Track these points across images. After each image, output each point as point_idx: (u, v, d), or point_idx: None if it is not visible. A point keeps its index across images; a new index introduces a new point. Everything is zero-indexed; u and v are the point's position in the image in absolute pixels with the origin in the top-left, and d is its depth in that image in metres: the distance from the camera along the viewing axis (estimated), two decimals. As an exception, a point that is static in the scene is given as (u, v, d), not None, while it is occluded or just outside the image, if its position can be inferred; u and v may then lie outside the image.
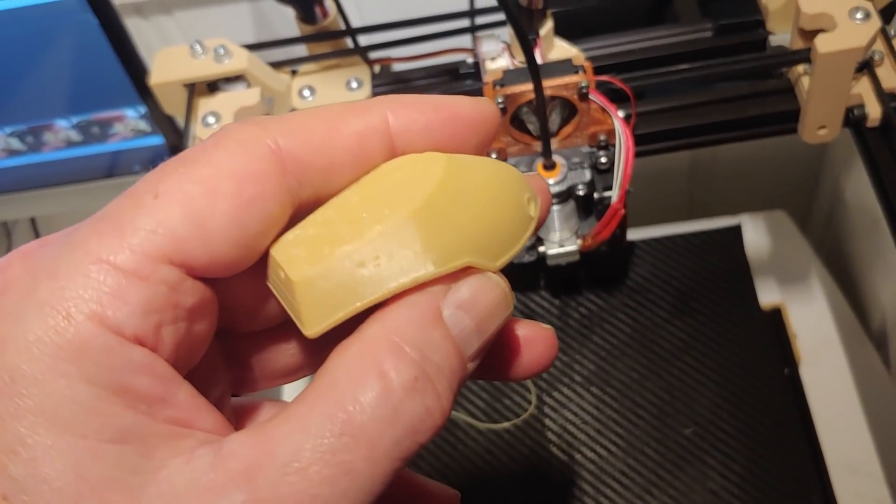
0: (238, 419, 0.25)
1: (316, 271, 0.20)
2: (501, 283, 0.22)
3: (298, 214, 0.22)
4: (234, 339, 0.25)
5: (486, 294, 0.22)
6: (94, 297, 0.19)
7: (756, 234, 0.71)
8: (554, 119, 0.46)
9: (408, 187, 0.22)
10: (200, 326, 0.21)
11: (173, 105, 0.53)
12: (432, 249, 0.21)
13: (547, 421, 0.61)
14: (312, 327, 0.21)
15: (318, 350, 0.25)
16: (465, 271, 0.22)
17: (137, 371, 0.19)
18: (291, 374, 0.26)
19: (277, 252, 0.21)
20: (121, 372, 0.19)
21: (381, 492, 0.19)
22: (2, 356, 0.19)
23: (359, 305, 0.20)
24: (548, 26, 0.48)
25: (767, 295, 0.66)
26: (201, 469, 0.19)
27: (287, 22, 0.57)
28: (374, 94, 0.54)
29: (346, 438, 0.19)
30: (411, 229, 0.21)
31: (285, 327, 0.25)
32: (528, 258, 0.46)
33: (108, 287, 0.19)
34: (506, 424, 0.61)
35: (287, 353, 0.26)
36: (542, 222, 0.25)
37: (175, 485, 0.19)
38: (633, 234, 0.69)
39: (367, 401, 0.19)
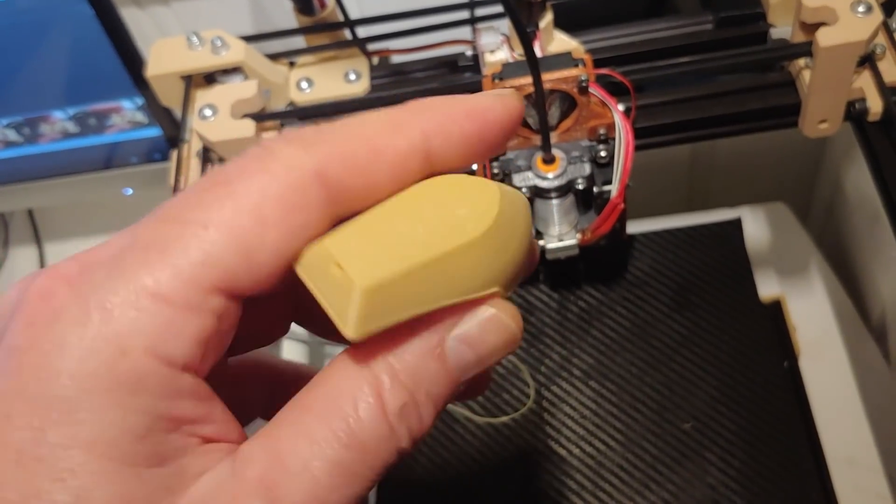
0: None
1: (381, 278, 0.20)
2: (512, 325, 0.23)
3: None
4: None
5: (494, 335, 0.23)
6: (148, 332, 0.20)
7: (756, 226, 0.71)
8: (553, 112, 0.46)
9: (468, 212, 0.22)
10: (228, 339, 0.22)
11: (170, 97, 0.53)
12: (481, 274, 0.22)
13: (545, 415, 0.61)
14: (359, 330, 0.20)
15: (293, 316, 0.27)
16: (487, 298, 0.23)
17: (185, 397, 0.20)
18: (269, 340, 0.27)
19: (337, 249, 0.21)
20: (172, 400, 0.20)
21: (371, 489, 0.21)
22: (58, 387, 0.19)
23: (408, 315, 0.21)
24: (547, 19, 0.48)
25: (767, 288, 0.66)
26: (223, 478, 0.20)
27: (285, 13, 0.57)
28: (373, 87, 0.54)
29: (350, 452, 0.20)
30: (471, 254, 0.22)
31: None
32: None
33: (162, 321, 0.20)
34: (504, 418, 0.61)
35: (268, 321, 0.27)
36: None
37: (203, 495, 0.20)
38: (633, 228, 0.68)
39: (367, 418, 0.21)
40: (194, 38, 0.51)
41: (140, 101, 0.67)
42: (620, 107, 0.45)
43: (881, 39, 0.46)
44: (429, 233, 0.22)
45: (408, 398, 0.21)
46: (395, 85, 0.55)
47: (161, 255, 0.20)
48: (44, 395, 0.19)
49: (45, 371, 0.19)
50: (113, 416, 0.19)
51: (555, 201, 0.45)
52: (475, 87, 0.49)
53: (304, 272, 0.21)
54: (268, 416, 0.27)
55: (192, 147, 0.52)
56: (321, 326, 0.27)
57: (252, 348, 0.27)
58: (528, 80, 0.44)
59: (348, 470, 0.20)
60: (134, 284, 0.20)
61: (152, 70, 0.52)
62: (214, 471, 0.20)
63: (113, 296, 0.20)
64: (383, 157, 0.22)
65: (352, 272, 0.20)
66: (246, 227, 0.20)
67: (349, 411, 0.21)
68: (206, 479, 0.20)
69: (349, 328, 0.20)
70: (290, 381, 0.30)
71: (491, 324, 0.23)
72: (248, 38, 0.53)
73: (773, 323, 0.64)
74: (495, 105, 0.24)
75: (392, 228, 0.22)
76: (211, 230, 0.20)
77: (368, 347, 0.21)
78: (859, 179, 0.74)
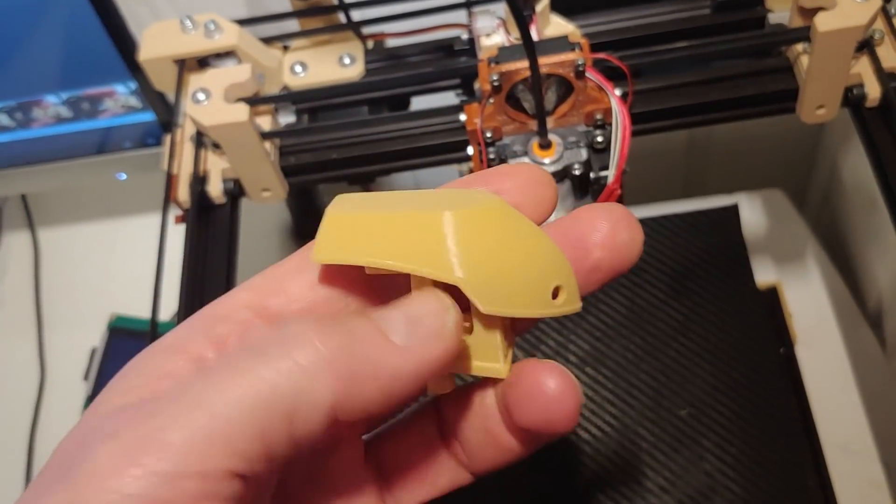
0: None
1: (350, 213, 0.24)
2: (444, 313, 0.23)
3: None
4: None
5: (420, 306, 0.23)
6: None
7: (752, 212, 0.70)
8: (550, 97, 0.46)
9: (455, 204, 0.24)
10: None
11: (163, 81, 0.52)
12: (444, 256, 0.23)
13: (541, 401, 0.61)
14: (317, 253, 0.24)
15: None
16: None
17: None
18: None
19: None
20: None
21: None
22: None
23: (362, 259, 0.23)
24: (544, 2, 0.48)
25: (763, 274, 0.66)
26: None
27: (279, -4, 0.57)
28: (368, 71, 0.53)
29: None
30: (435, 228, 0.23)
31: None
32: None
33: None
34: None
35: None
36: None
37: None
38: (629, 214, 0.68)
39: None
40: (187, 22, 0.51)
41: (133, 85, 0.67)
42: (617, 91, 0.44)
43: (880, 25, 0.46)
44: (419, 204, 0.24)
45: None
46: (389, 69, 0.54)
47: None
48: None
49: None
50: None
51: (551, 187, 0.45)
52: (471, 72, 0.49)
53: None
54: None
55: (186, 131, 0.51)
56: None
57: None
58: (525, 64, 0.43)
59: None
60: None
61: (145, 54, 0.51)
62: None
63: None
64: None
65: (332, 211, 0.24)
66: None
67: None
68: None
69: (314, 252, 0.24)
70: None
71: (423, 298, 0.23)
72: (242, 22, 0.52)
73: (769, 309, 0.64)
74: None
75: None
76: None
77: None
78: (856, 166, 0.73)
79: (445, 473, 0.27)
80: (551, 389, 0.24)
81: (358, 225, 0.23)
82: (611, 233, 0.25)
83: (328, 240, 0.24)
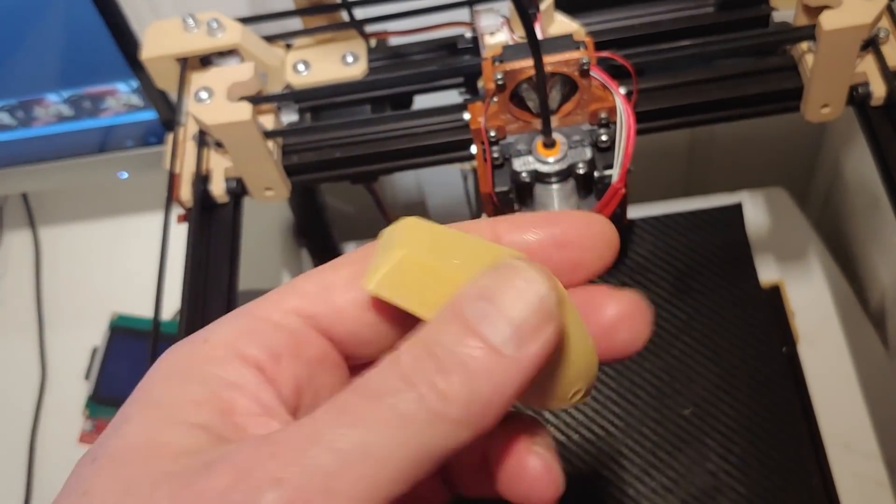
0: None
1: (416, 257, 0.23)
2: (537, 276, 0.21)
3: None
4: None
5: (515, 288, 0.21)
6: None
7: (755, 211, 0.70)
8: (554, 96, 0.45)
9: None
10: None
11: (165, 79, 0.52)
12: None
13: (544, 400, 0.61)
14: (375, 284, 0.23)
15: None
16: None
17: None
18: None
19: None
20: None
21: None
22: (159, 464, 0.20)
23: (415, 306, 0.23)
24: (548, 1, 0.47)
25: (766, 272, 0.66)
26: None
27: (281, -5, 0.56)
28: (371, 70, 0.53)
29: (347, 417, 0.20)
30: None
31: None
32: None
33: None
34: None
35: None
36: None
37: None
38: (633, 213, 0.68)
39: (374, 374, 0.20)
40: (190, 20, 0.51)
41: (135, 83, 0.66)
42: (622, 90, 0.44)
43: (885, 23, 0.46)
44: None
45: (420, 350, 0.20)
46: (393, 67, 0.54)
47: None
48: (135, 475, 0.19)
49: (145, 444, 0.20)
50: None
51: (555, 186, 0.45)
52: (475, 70, 0.49)
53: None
54: None
55: (188, 130, 0.51)
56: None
57: None
58: (529, 62, 0.43)
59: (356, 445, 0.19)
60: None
61: (147, 52, 0.51)
62: None
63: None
64: None
65: (399, 246, 0.23)
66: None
67: (399, 385, 0.20)
68: None
69: (369, 279, 0.22)
70: None
71: (508, 273, 0.21)
72: (245, 20, 0.52)
73: (772, 308, 0.64)
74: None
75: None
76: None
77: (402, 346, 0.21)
78: (859, 164, 0.73)
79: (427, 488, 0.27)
80: (536, 470, 0.23)
81: (423, 271, 0.22)
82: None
83: (386, 273, 0.22)
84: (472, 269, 0.22)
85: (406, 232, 0.23)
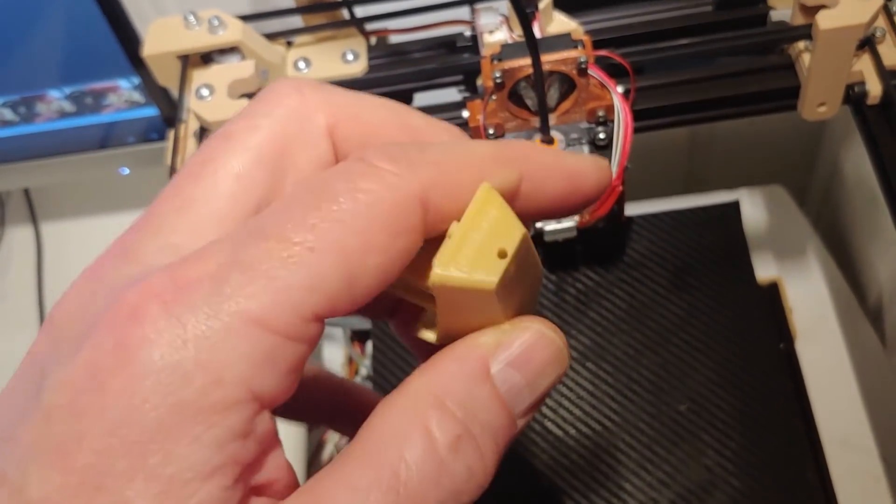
0: None
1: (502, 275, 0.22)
2: (557, 340, 0.23)
3: None
4: None
5: (539, 351, 0.22)
6: (245, 362, 0.19)
7: (753, 209, 0.71)
8: (552, 94, 0.46)
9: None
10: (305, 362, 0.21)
11: (167, 76, 0.53)
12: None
13: (542, 396, 0.61)
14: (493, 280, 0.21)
15: None
16: (520, 323, 0.22)
17: (256, 440, 0.19)
18: None
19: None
20: (244, 441, 0.19)
21: None
22: (139, 415, 0.18)
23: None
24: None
25: (764, 269, 0.66)
26: None
27: (282, -8, 0.57)
28: (371, 67, 0.53)
29: (396, 497, 0.19)
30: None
31: None
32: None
33: (261, 352, 0.19)
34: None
35: None
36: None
37: None
38: (631, 210, 0.68)
39: (413, 460, 0.19)
40: (191, 18, 0.51)
41: (137, 80, 0.67)
42: (619, 89, 0.45)
43: (881, 23, 0.46)
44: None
45: (461, 430, 0.20)
46: (392, 65, 0.54)
47: (266, 280, 0.19)
48: (123, 421, 0.18)
49: (129, 396, 0.18)
50: (185, 450, 0.18)
51: (553, 183, 0.45)
52: (474, 68, 0.49)
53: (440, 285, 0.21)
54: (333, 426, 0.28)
55: (189, 127, 0.52)
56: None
57: None
58: (527, 61, 0.43)
59: None
60: (235, 312, 0.19)
61: (149, 49, 0.51)
62: None
63: (212, 322, 0.19)
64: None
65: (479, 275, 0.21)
66: (353, 252, 0.19)
67: (393, 453, 0.19)
68: None
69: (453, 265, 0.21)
70: (348, 394, 0.30)
71: (532, 338, 0.22)
72: (246, 18, 0.52)
73: (769, 305, 0.64)
74: (591, 175, 0.24)
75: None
76: (316, 254, 0.19)
77: (411, 385, 0.21)
78: (857, 163, 0.73)
79: None
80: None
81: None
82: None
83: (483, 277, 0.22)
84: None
85: (498, 212, 0.22)
